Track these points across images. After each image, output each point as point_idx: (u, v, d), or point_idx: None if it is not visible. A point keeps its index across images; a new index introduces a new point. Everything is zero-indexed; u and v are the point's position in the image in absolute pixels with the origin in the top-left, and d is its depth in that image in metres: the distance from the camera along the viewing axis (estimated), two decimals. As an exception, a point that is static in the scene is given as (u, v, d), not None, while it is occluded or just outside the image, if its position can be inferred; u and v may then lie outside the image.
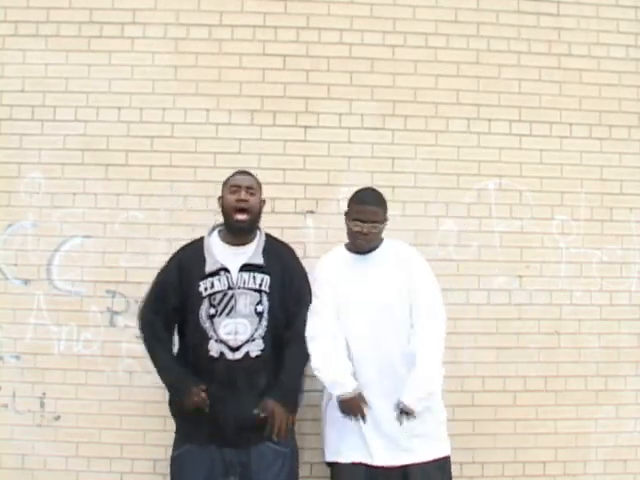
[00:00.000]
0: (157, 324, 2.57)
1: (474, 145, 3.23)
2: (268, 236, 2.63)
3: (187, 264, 2.56)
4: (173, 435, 2.95)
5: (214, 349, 2.45)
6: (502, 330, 3.14)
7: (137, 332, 3.02)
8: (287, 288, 2.55)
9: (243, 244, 2.56)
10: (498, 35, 3.27)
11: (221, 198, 2.61)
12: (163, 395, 3.03)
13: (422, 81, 3.23)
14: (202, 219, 3.09)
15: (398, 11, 3.24)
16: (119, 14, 3.17)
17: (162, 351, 2.56)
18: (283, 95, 3.19)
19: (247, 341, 2.45)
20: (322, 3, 3.22)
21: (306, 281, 2.62)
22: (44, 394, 3.04)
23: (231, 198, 2.53)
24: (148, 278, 3.06)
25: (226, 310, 2.47)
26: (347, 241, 2.63)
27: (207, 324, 2.47)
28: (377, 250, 2.60)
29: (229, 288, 2.49)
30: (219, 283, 2.49)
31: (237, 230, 2.54)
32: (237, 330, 2.45)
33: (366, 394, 2.48)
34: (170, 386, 2.56)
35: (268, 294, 2.50)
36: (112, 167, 3.13)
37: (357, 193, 2.61)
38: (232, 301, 2.48)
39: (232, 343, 2.45)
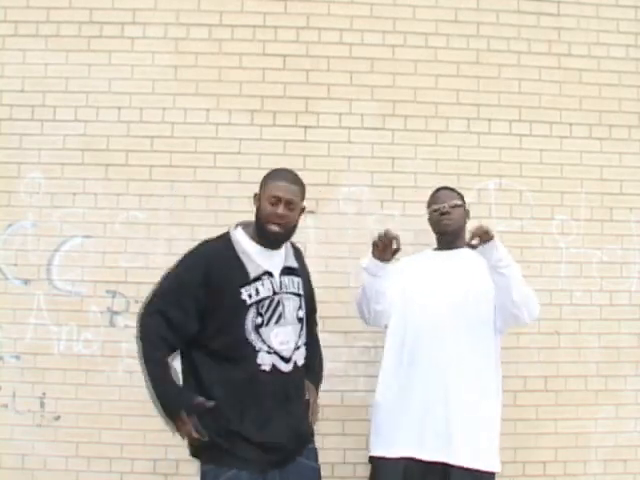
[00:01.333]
0: (164, 342, 2.18)
1: (474, 145, 3.23)
2: None
3: (217, 271, 2.19)
4: (174, 437, 2.97)
5: (266, 362, 2.17)
6: (502, 330, 3.14)
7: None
8: (309, 289, 2.42)
9: (278, 244, 2.31)
10: (498, 35, 3.27)
11: (258, 197, 2.28)
12: (163, 395, 3.05)
13: (422, 81, 3.23)
14: (202, 219, 3.10)
15: (398, 11, 3.24)
16: (119, 14, 3.18)
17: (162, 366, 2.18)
18: (283, 95, 3.19)
19: (294, 350, 2.24)
20: (322, 3, 3.22)
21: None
22: (44, 394, 3.04)
23: (268, 209, 2.21)
24: (148, 278, 3.05)
25: (274, 318, 2.21)
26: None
27: (253, 335, 2.17)
28: (462, 248, 2.57)
29: (274, 293, 2.22)
30: (264, 288, 2.21)
31: (269, 242, 2.26)
32: (287, 339, 2.22)
33: (417, 389, 2.45)
34: (162, 403, 2.16)
35: (304, 297, 2.33)
36: (112, 167, 3.13)
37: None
38: (280, 307, 2.23)
39: (285, 353, 2.21)
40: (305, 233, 3.07)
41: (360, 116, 3.21)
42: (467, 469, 2.37)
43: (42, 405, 3.04)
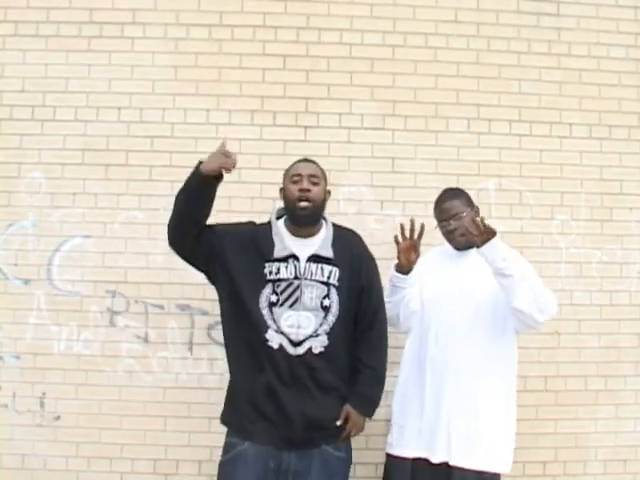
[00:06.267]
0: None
1: (474, 145, 3.23)
2: (335, 226, 2.47)
3: (253, 242, 2.36)
4: (174, 435, 2.97)
5: (274, 340, 2.28)
6: (502, 330, 3.14)
7: (137, 332, 3.07)
8: (357, 280, 2.39)
9: (310, 235, 2.39)
10: (498, 35, 3.27)
11: (282, 189, 2.44)
12: (163, 395, 3.05)
13: (422, 81, 3.23)
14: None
15: (398, 11, 3.24)
16: (119, 14, 3.17)
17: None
18: (283, 95, 3.19)
19: (310, 336, 2.29)
20: (322, 3, 3.22)
21: (376, 271, 2.49)
22: (44, 394, 3.04)
23: (293, 188, 2.36)
24: (148, 278, 3.08)
25: (289, 301, 2.30)
26: None
27: (265, 311, 2.29)
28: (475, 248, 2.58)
29: (295, 278, 2.31)
30: (286, 270, 2.31)
31: (301, 221, 2.36)
32: (300, 324, 2.28)
33: (431, 388, 2.48)
34: (192, 175, 2.33)
35: (337, 287, 2.33)
36: (112, 167, 3.13)
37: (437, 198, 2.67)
38: (297, 292, 2.30)
39: (294, 337, 2.28)
40: (305, 233, 3.07)
41: (360, 116, 3.21)
42: (467, 470, 2.39)
43: (42, 405, 3.04)
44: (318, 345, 2.29)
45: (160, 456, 3.03)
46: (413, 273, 2.50)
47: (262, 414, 2.27)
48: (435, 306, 2.53)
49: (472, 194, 3.17)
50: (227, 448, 2.33)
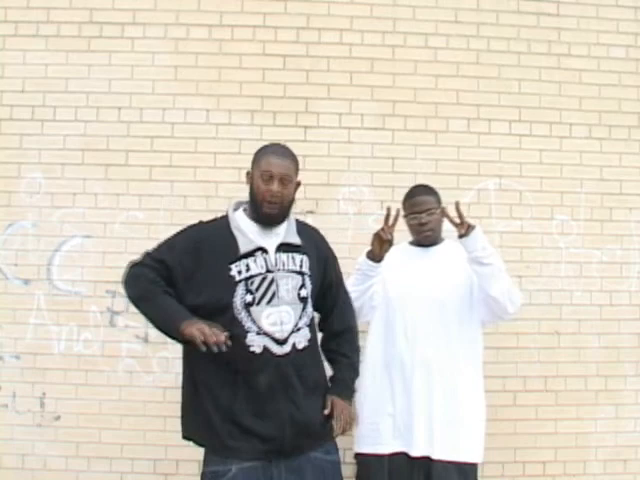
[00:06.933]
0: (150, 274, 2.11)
1: (474, 145, 3.23)
2: (296, 219, 2.32)
3: (209, 246, 2.14)
4: (174, 435, 2.96)
5: (256, 343, 2.06)
6: (502, 330, 3.13)
7: (137, 332, 3.07)
8: (324, 270, 2.27)
9: (274, 225, 2.21)
10: (498, 35, 3.27)
11: (250, 175, 2.22)
12: (163, 395, 3.05)
13: (422, 81, 3.23)
14: (202, 219, 3.09)
15: (398, 11, 3.24)
16: (119, 14, 3.18)
17: (157, 292, 2.09)
18: (283, 95, 3.19)
19: (292, 331, 2.11)
20: (322, 3, 3.22)
21: (338, 264, 2.39)
22: (44, 394, 3.04)
23: (262, 187, 2.14)
24: (148, 278, 3.08)
25: (266, 297, 2.10)
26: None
27: (242, 314, 2.08)
28: (440, 244, 2.63)
29: (268, 271, 2.12)
30: (255, 265, 2.11)
31: (265, 221, 2.18)
32: (282, 320, 2.10)
33: (402, 384, 2.49)
34: (168, 322, 2.05)
35: (310, 276, 2.19)
36: (112, 167, 3.14)
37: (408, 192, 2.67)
38: (273, 286, 2.11)
39: (279, 335, 2.08)
40: (305, 233, 3.07)
41: (360, 116, 3.21)
42: (448, 462, 2.42)
43: (42, 405, 3.04)
44: (302, 340, 2.13)
45: (160, 456, 3.03)
46: (383, 262, 2.50)
47: (246, 428, 2.06)
48: (401, 303, 2.54)
49: (472, 194, 3.21)
50: (211, 476, 2.10)
